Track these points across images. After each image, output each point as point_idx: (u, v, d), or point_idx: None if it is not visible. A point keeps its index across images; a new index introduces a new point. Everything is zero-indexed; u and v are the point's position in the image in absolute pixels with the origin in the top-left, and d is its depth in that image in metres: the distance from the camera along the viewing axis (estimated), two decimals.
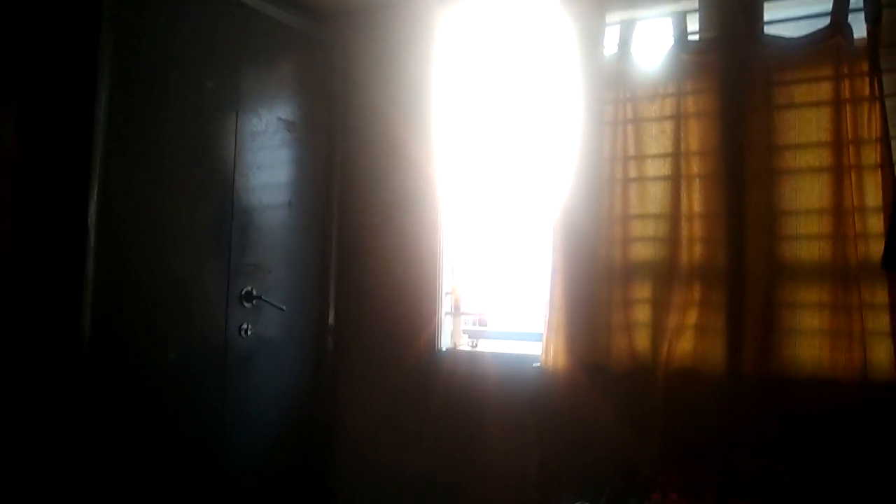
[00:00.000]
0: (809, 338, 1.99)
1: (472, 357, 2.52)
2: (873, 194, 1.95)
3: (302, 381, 2.52)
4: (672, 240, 2.17)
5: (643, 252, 2.21)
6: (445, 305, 2.59)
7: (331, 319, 2.62)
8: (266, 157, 2.40)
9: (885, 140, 1.94)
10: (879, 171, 1.94)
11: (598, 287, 2.23)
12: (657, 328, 2.15)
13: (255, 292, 2.29)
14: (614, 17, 2.33)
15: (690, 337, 2.12)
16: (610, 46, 2.31)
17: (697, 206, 2.15)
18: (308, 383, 2.54)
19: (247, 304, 2.27)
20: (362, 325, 2.64)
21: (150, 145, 2.01)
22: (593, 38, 2.33)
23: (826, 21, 2.04)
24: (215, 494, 2.15)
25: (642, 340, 2.18)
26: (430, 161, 2.59)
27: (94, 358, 1.82)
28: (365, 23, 2.75)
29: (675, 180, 2.18)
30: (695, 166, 2.17)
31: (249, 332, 2.27)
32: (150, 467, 1.97)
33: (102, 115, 1.85)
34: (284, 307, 2.36)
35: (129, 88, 1.94)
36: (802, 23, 2.13)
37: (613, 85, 2.29)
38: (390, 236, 2.62)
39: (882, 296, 1.92)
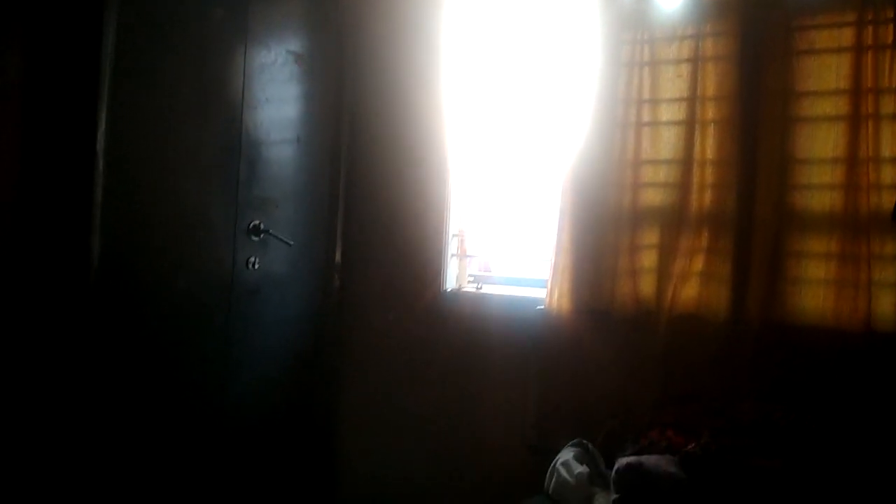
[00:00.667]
0: (815, 287, 1.99)
1: (477, 298, 2.53)
2: (890, 144, 1.93)
3: (308, 316, 2.54)
4: (682, 186, 2.15)
5: (653, 198, 2.20)
6: (452, 247, 2.59)
7: (337, 257, 2.63)
8: (275, 91, 2.37)
9: None
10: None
11: (605, 232, 2.23)
12: (662, 274, 2.16)
13: (262, 226, 2.29)
14: None
15: (695, 283, 2.12)
16: None
17: (710, 153, 2.12)
18: (314, 319, 2.56)
19: (254, 238, 2.27)
20: (369, 263, 2.65)
21: (158, 73, 1.97)
22: None
23: None
24: (217, 427, 2.19)
25: (647, 286, 2.18)
26: (440, 101, 2.55)
27: (103, 284, 1.82)
28: None
29: (689, 125, 2.15)
30: (710, 111, 2.13)
31: (257, 266, 2.28)
32: (154, 396, 1.99)
33: (110, 41, 1.81)
34: (292, 242, 2.37)
35: (138, 14, 1.90)
36: None
37: (631, 25, 2.24)
38: (399, 176, 2.60)
39: (891, 247, 1.92)
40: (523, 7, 2.52)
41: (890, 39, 1.92)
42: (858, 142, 1.95)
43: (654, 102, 2.20)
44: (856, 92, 1.96)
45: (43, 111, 1.83)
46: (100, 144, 1.79)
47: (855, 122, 1.96)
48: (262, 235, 2.29)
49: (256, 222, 2.28)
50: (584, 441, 1.94)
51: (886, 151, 1.93)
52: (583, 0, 2.27)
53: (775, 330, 2.01)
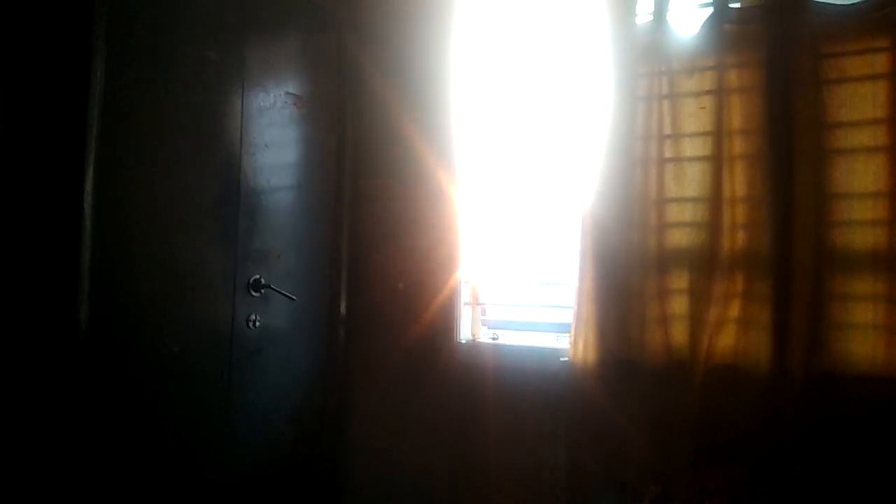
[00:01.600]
0: (863, 332, 1.84)
1: (494, 350, 2.37)
2: None
3: (313, 375, 2.38)
4: (712, 225, 2.01)
5: (680, 239, 2.06)
6: (464, 295, 2.44)
7: (343, 309, 2.48)
8: (274, 135, 2.25)
9: None
10: None
11: (631, 276, 2.08)
12: (696, 321, 2.00)
13: (263, 280, 2.14)
14: None
15: (732, 331, 1.97)
16: (644, 15, 2.14)
17: (740, 190, 1.99)
18: (319, 378, 2.40)
19: (255, 293, 2.12)
20: (376, 315, 2.50)
21: (149, 120, 1.85)
22: (625, 7, 2.16)
23: None
24: (220, 494, 2.02)
25: (680, 334, 2.03)
26: (449, 142, 2.43)
27: (91, 349, 1.68)
28: None
29: (716, 161, 2.02)
30: (737, 146, 2.01)
31: (258, 324, 2.12)
32: (150, 465, 1.83)
33: (98, 86, 1.70)
34: (295, 297, 2.22)
35: (127, 58, 1.79)
36: None
37: (647, 57, 2.12)
38: (406, 221, 2.46)
39: None
40: (535, 42, 2.41)
41: None
42: None
43: (677, 137, 2.08)
44: (895, 121, 1.84)
45: (26, 163, 1.70)
46: (87, 200, 1.66)
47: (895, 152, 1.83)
48: (262, 290, 2.14)
49: (257, 276, 2.13)
50: None
51: None
52: (595, 33, 2.16)
53: (822, 380, 1.85)
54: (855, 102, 1.89)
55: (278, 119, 2.26)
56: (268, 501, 2.20)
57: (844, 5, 1.92)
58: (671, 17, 2.11)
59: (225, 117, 2.08)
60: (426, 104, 2.46)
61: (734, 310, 1.97)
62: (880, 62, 1.87)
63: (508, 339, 2.41)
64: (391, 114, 2.52)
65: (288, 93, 2.30)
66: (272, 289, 2.15)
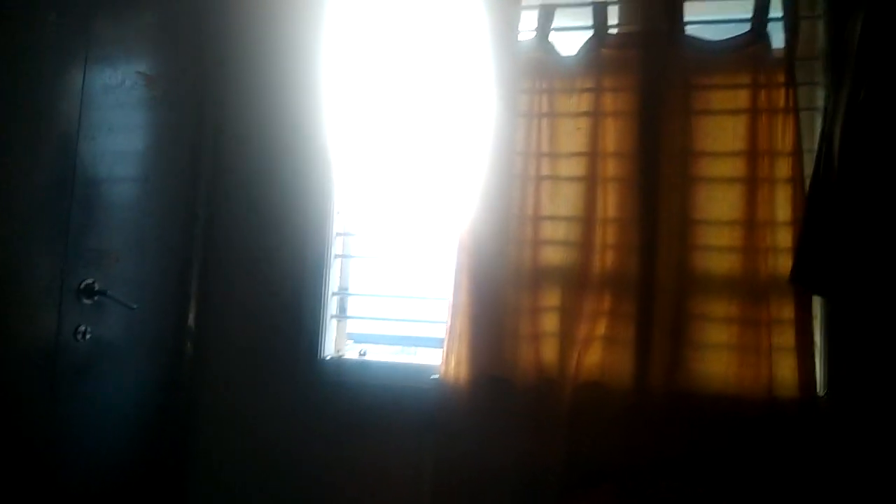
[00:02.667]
0: (718, 352, 1.94)
1: (361, 367, 2.23)
2: (784, 208, 1.93)
3: (154, 394, 2.09)
4: (584, 245, 2.03)
5: (554, 256, 2.06)
6: (331, 308, 2.28)
7: (191, 320, 2.21)
8: (120, 119, 1.97)
9: (797, 154, 1.92)
10: (791, 185, 1.92)
11: (505, 292, 2.05)
12: (566, 338, 2.01)
13: (97, 286, 1.84)
14: (532, 1, 2.15)
15: (599, 348, 2.00)
16: (527, 32, 2.13)
17: (611, 211, 2.03)
18: (162, 398, 2.12)
19: (86, 301, 1.82)
20: (230, 327, 2.26)
21: None
22: (508, 21, 2.14)
23: (747, 27, 1.99)
24: None
25: (550, 351, 2.02)
26: (321, 141, 2.27)
27: None
28: None
29: (590, 181, 2.05)
30: (610, 168, 2.05)
31: (88, 336, 1.82)
32: None
33: None
34: (135, 305, 1.94)
35: None
36: (722, 27, 2.08)
37: (529, 74, 2.11)
38: (269, 225, 2.26)
39: (789, 311, 1.90)
40: (416, 54, 2.31)
41: (782, 103, 1.94)
42: (756, 204, 1.94)
43: (554, 156, 2.09)
44: (752, 154, 1.96)
45: None
46: None
47: (752, 184, 1.95)
48: (96, 297, 1.84)
49: (90, 281, 1.83)
50: None
51: (782, 215, 1.92)
52: (478, 47, 2.12)
53: (680, 397, 1.92)
54: (718, 134, 1.99)
55: (126, 100, 1.98)
56: None
57: (714, 41, 2.02)
58: (554, 36, 2.12)
59: (63, 93, 1.77)
60: (299, 102, 2.28)
61: (601, 328, 2.00)
62: (742, 98, 1.98)
63: (377, 354, 2.28)
64: (260, 107, 2.31)
65: (139, 72, 2.02)
66: (107, 296, 1.86)
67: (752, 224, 1.94)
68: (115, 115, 1.94)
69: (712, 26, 2.10)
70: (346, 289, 2.35)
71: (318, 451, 2.16)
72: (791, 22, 1.96)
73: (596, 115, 2.06)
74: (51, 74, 1.74)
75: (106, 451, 1.92)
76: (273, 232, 2.25)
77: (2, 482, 1.61)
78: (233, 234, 2.29)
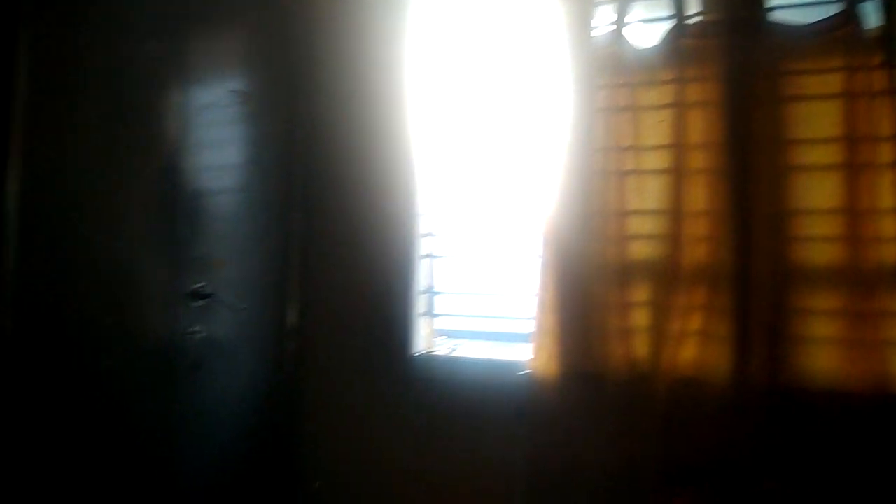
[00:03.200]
0: (822, 347, 1.86)
1: (450, 363, 2.28)
2: (889, 194, 1.84)
3: (261, 389, 2.22)
4: (673, 238, 2.01)
5: (641, 251, 2.04)
6: (420, 306, 2.35)
7: (292, 320, 2.33)
8: (217, 135, 2.10)
9: None
10: (894, 170, 1.83)
11: (592, 288, 2.05)
12: (658, 333, 1.98)
13: (206, 290, 1.98)
14: None
15: (693, 344, 1.96)
16: (603, 27, 2.13)
17: (700, 203, 1.99)
18: (268, 392, 2.25)
19: (196, 304, 1.96)
20: (328, 327, 2.37)
21: (82, 116, 1.68)
22: (584, 18, 2.14)
23: (836, 8, 1.91)
24: None
25: (641, 346, 2.00)
26: (406, 146, 2.33)
27: (16, 360, 1.50)
28: None
29: (676, 174, 2.02)
30: (698, 160, 2.01)
31: (200, 336, 1.96)
32: (86, 492, 1.64)
33: (23, 80, 1.52)
34: (242, 306, 2.07)
35: (56, 50, 1.61)
36: (810, 9, 2.01)
37: (607, 69, 2.10)
38: (360, 228, 2.34)
39: None
40: (492, 46, 2.35)
41: (881, 86, 1.86)
42: (857, 191, 1.86)
43: (637, 149, 2.07)
44: (850, 140, 1.88)
45: None
46: (11, 203, 1.47)
47: (852, 171, 1.87)
48: (205, 300, 1.98)
49: (199, 285, 1.97)
50: None
51: (886, 202, 1.84)
52: (554, 44, 2.13)
53: (783, 394, 1.86)
54: (812, 121, 1.92)
55: (222, 118, 2.12)
56: None
57: (801, 25, 1.95)
58: (630, 30, 2.10)
59: (165, 114, 1.92)
60: (384, 108, 2.36)
61: (696, 322, 1.96)
62: (835, 82, 1.90)
63: (466, 350, 2.33)
64: (347, 115, 2.40)
65: (233, 90, 2.15)
66: (216, 298, 2.00)
67: (854, 212, 1.86)
68: (213, 132, 2.07)
69: (800, 9, 2.02)
70: (434, 287, 2.40)
71: (413, 444, 2.23)
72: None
73: (679, 107, 2.03)
74: (154, 98, 1.89)
75: (219, 440, 2.06)
76: (362, 234, 2.34)
77: (127, 467, 1.76)
78: (326, 238, 2.39)
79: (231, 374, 2.10)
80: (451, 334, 2.38)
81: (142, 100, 1.85)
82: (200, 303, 1.97)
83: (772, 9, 1.99)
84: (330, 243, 2.39)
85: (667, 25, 2.06)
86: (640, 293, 2.03)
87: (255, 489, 2.20)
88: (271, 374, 2.27)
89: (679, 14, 2.05)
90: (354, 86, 2.40)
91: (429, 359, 2.31)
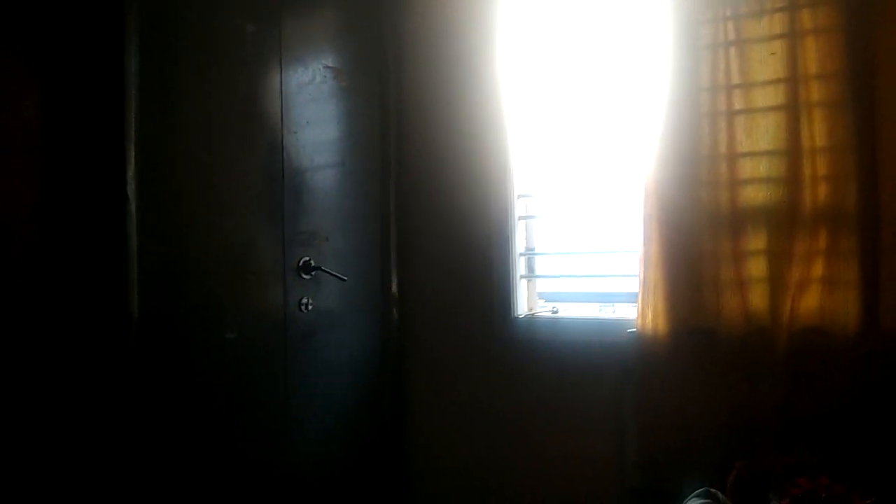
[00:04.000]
0: None
1: (553, 324, 2.26)
2: None
3: (368, 356, 2.30)
4: (790, 180, 1.87)
5: (755, 196, 1.91)
6: (520, 267, 2.33)
7: (394, 288, 2.38)
8: (315, 112, 2.15)
9: None
10: None
11: (701, 238, 1.95)
12: (776, 283, 1.87)
13: (313, 262, 2.06)
14: None
15: (817, 292, 1.83)
16: None
17: (820, 140, 1.84)
18: (374, 359, 2.32)
19: (305, 276, 2.04)
20: (429, 292, 2.40)
21: (189, 100, 1.77)
22: None
23: None
24: (282, 483, 1.97)
25: (759, 298, 1.90)
26: (499, 106, 2.29)
27: (144, 340, 1.62)
28: None
29: (792, 110, 1.87)
30: (815, 92, 1.85)
31: (310, 307, 2.05)
32: (210, 458, 1.78)
33: (134, 69, 1.61)
34: (346, 277, 2.13)
35: (163, 37, 1.70)
36: None
37: (710, 2, 1.96)
38: (456, 194, 2.34)
39: None
40: None
41: None
42: None
43: (747, 87, 1.93)
44: None
45: (66, 158, 1.63)
46: (130, 187, 1.58)
47: None
48: (313, 273, 2.06)
49: (307, 258, 2.05)
50: (713, 490, 1.64)
51: None
52: None
53: None
54: None
55: (318, 94, 2.16)
56: (332, 489, 2.14)
57: None
58: None
59: (265, 93, 1.98)
60: (473, 67, 2.32)
61: (818, 269, 1.83)
62: None
63: (568, 311, 2.29)
64: (437, 84, 2.39)
65: (327, 66, 2.19)
66: (323, 270, 2.07)
67: None
68: (311, 108, 2.12)
69: None
70: (533, 249, 2.37)
71: (518, 404, 2.24)
72: None
73: (793, 36, 1.87)
74: (254, 79, 1.95)
75: (332, 404, 2.15)
76: (459, 199, 2.34)
77: (247, 434, 1.88)
78: (423, 206, 2.41)
79: (340, 343, 2.18)
80: (554, 297, 2.35)
81: (244, 81, 1.92)
82: (308, 275, 2.05)
83: None
84: (426, 210, 2.41)
85: None
86: (756, 241, 1.91)
87: (366, 453, 2.29)
88: (377, 341, 2.33)
89: None
90: (443, 54, 2.38)
91: (531, 320, 2.29)
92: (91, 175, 1.63)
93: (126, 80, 1.60)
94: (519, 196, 2.33)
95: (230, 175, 1.87)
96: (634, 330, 2.02)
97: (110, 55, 1.61)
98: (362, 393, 2.28)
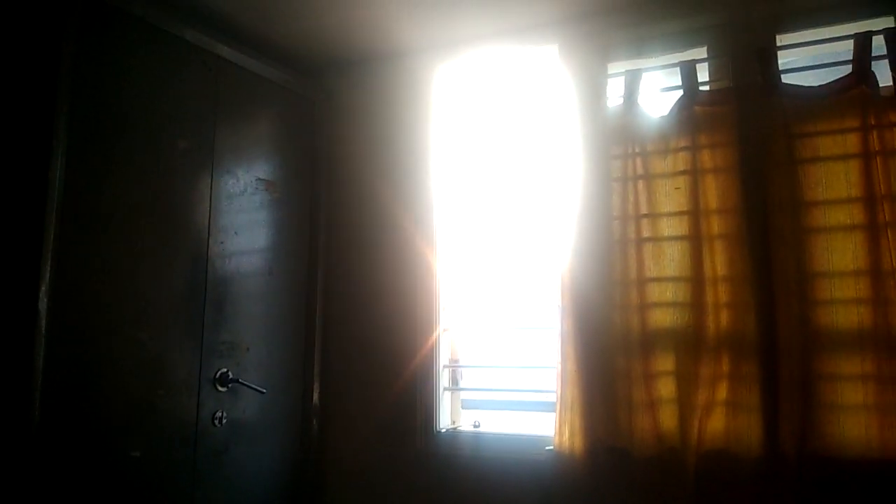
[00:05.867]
0: (854, 414, 1.79)
1: (476, 439, 2.26)
2: None
3: (285, 472, 2.23)
4: (695, 305, 1.98)
5: (663, 319, 2.01)
6: (444, 380, 2.35)
7: (315, 398, 2.35)
8: (244, 221, 2.18)
9: None
10: None
11: (614, 358, 2.02)
12: (684, 405, 1.94)
13: (231, 374, 2.03)
14: (618, 68, 2.19)
15: (722, 414, 1.91)
16: (615, 98, 2.16)
17: (721, 269, 1.97)
18: (292, 475, 2.25)
19: (221, 389, 2.00)
20: (351, 403, 2.38)
21: (112, 212, 1.78)
22: (596, 90, 2.18)
23: (848, 69, 1.91)
24: None
25: (668, 419, 1.96)
26: (426, 221, 2.38)
27: (44, 450, 1.55)
28: (354, 76, 2.57)
29: (695, 240, 2.01)
30: (715, 225, 2.00)
31: (224, 421, 2.00)
32: None
33: (57, 179, 1.63)
34: (265, 390, 2.10)
35: (90, 149, 1.73)
36: (822, 71, 2.01)
37: (620, 139, 2.12)
38: (382, 303, 2.38)
39: None
40: (509, 121, 2.41)
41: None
42: (880, 252, 1.82)
43: (654, 217, 2.06)
44: (870, 200, 1.84)
45: None
46: (42, 303, 1.55)
47: (873, 231, 1.83)
48: (230, 385, 2.02)
49: (224, 370, 2.02)
50: None
51: None
52: (567, 115, 2.17)
53: (816, 464, 1.79)
54: (830, 181, 1.90)
55: (249, 205, 2.20)
56: None
57: (813, 87, 1.95)
58: (642, 99, 2.13)
59: (193, 204, 2.01)
60: (403, 186, 2.42)
61: (722, 392, 1.91)
62: (851, 142, 1.88)
63: (491, 424, 2.30)
64: (368, 192, 2.48)
65: (258, 178, 2.24)
66: (240, 382, 2.04)
67: (878, 273, 1.81)
68: (240, 218, 2.16)
69: (811, 72, 2.02)
70: (457, 361, 2.40)
71: None
72: None
73: (695, 173, 2.03)
74: (184, 189, 1.99)
75: None
76: (385, 309, 2.37)
77: None
78: (349, 314, 2.43)
79: (256, 456, 2.12)
80: (476, 405, 2.36)
81: (174, 190, 1.95)
82: (225, 388, 2.01)
83: (783, 72, 1.99)
84: (352, 320, 2.42)
85: (678, 94, 2.08)
86: (665, 363, 1.99)
87: None
88: (295, 454, 2.27)
89: (690, 83, 2.07)
90: (375, 171, 2.48)
91: (454, 435, 2.28)
92: (3, 287, 1.59)
93: (49, 192, 1.60)
94: (444, 307, 2.38)
95: (150, 285, 1.86)
96: (552, 447, 2.04)
97: (34, 165, 1.62)
98: None
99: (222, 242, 2.07)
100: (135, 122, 1.85)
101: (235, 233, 2.12)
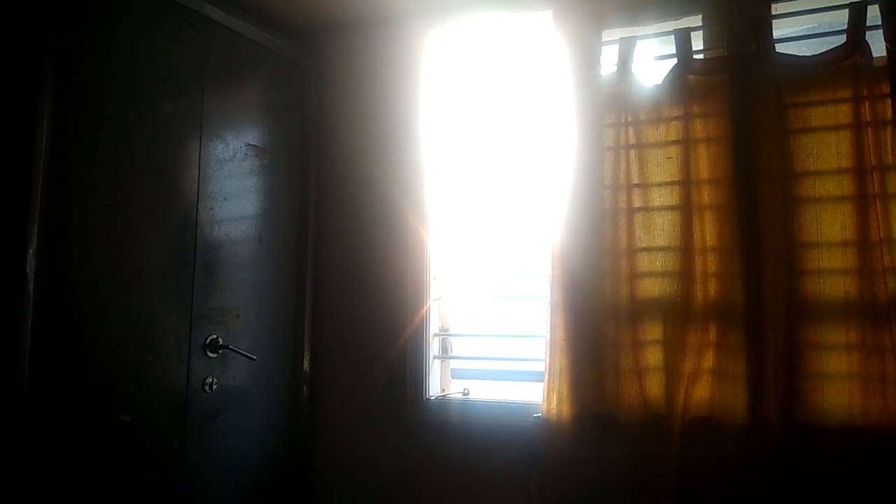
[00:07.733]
0: (838, 382, 1.82)
1: (465, 406, 2.28)
2: None
3: (275, 437, 2.25)
4: (684, 275, 1.99)
5: (652, 288, 2.02)
6: (433, 348, 2.36)
7: (306, 366, 2.36)
8: (233, 187, 2.16)
9: None
10: None
11: (603, 327, 2.04)
12: (671, 372, 1.96)
13: (221, 341, 2.03)
14: (612, 35, 2.16)
15: (708, 382, 1.93)
16: (608, 66, 2.14)
17: (711, 239, 1.98)
18: (282, 439, 2.27)
19: (211, 355, 2.01)
20: (341, 370, 2.39)
21: (99, 176, 1.76)
22: (590, 57, 2.16)
23: (842, 39, 1.90)
24: None
25: (655, 386, 1.98)
26: (416, 190, 2.37)
27: (34, 413, 1.56)
28: (344, 41, 2.53)
29: (686, 210, 2.01)
30: (706, 195, 2.00)
31: (215, 387, 2.00)
32: None
33: (44, 142, 1.61)
34: (255, 356, 2.10)
35: (76, 112, 1.70)
36: (816, 41, 2.00)
37: (613, 107, 2.11)
38: (372, 272, 2.38)
39: None
40: (501, 88, 2.39)
41: (889, 115, 1.83)
42: (868, 223, 1.83)
43: (645, 187, 2.06)
44: (860, 171, 1.85)
45: None
46: (30, 265, 1.54)
47: (862, 202, 1.84)
48: (220, 351, 2.02)
49: (214, 336, 2.02)
50: None
51: None
52: (559, 81, 2.15)
53: (799, 431, 1.82)
54: (821, 152, 1.90)
55: (238, 171, 2.18)
56: None
57: (806, 56, 1.94)
58: (636, 68, 2.11)
59: (182, 170, 1.99)
60: (394, 152, 2.41)
61: (709, 361, 1.94)
62: (843, 112, 1.88)
63: (479, 392, 2.32)
64: (358, 160, 2.46)
65: (248, 144, 2.22)
66: (230, 349, 2.04)
67: (866, 244, 1.83)
68: (230, 184, 2.14)
69: (805, 42, 2.01)
70: (448, 329, 2.41)
71: (428, 486, 2.22)
72: (892, 29, 1.85)
73: (686, 143, 2.03)
74: (172, 154, 1.96)
75: (233, 489, 2.08)
76: (375, 278, 2.37)
77: None
78: (339, 283, 2.43)
79: (246, 422, 2.13)
80: (466, 374, 2.38)
81: (161, 155, 1.93)
82: (215, 354, 2.01)
83: (778, 41, 1.97)
84: (342, 288, 2.42)
85: (672, 63, 2.06)
86: (653, 331, 2.01)
87: None
88: (285, 421, 2.29)
89: (684, 51, 2.05)
90: (364, 132, 2.46)
91: (443, 402, 2.31)
92: None
93: (35, 155, 1.58)
94: (435, 277, 2.39)
95: (139, 250, 1.85)
96: (540, 414, 2.06)
97: (21, 127, 1.59)
98: (267, 475, 2.21)
99: (211, 208, 2.05)
100: (121, 85, 1.82)
101: (225, 199, 2.11)
